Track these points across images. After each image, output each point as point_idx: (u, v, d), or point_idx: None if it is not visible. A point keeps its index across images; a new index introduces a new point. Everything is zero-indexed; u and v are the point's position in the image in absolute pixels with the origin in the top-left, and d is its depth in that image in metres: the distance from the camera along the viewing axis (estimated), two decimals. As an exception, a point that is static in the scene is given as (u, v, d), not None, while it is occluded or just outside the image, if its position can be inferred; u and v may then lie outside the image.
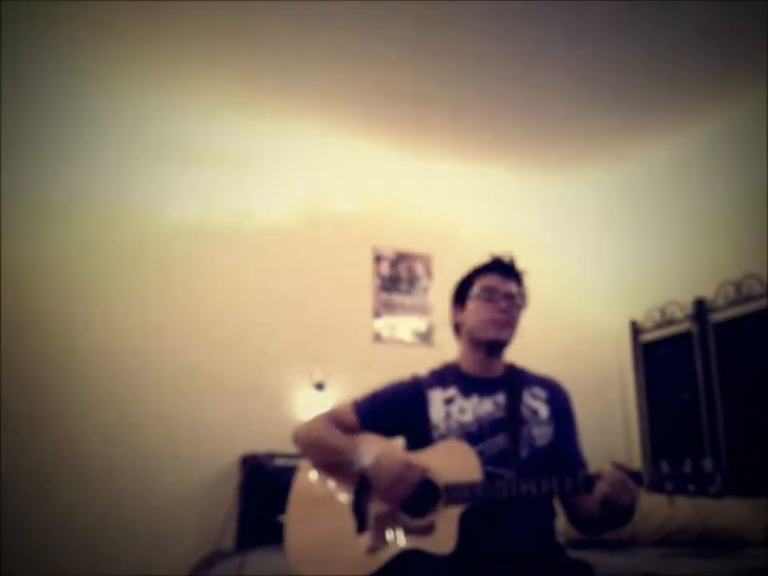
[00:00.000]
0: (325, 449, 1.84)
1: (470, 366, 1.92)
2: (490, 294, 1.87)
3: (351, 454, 1.77)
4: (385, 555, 1.69)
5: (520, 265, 1.97)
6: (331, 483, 1.84)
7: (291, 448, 1.99)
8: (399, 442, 1.91)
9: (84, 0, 3.05)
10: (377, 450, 1.75)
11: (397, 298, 4.58)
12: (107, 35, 3.31)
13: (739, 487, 3.48)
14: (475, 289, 1.91)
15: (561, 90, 3.80)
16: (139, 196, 4.11)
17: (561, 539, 1.83)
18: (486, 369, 1.91)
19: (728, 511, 3.29)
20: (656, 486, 1.60)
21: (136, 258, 4.03)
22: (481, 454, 1.75)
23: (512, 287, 1.89)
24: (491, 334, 1.86)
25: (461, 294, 1.96)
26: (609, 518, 1.68)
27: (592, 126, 4.17)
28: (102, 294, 3.91)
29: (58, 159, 3.99)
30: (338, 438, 1.83)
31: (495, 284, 1.89)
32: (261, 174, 4.42)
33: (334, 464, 1.82)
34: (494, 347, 1.89)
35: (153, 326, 3.95)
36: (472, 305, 1.90)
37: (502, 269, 1.93)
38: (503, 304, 1.86)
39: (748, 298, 3.87)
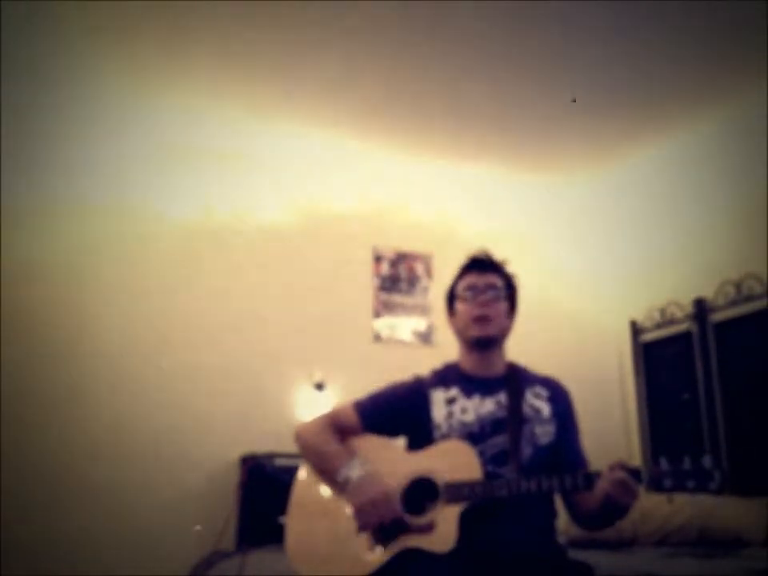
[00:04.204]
0: (320, 460, 1.86)
1: (469, 366, 1.93)
2: (470, 293, 1.91)
3: (338, 474, 1.78)
4: (385, 554, 1.69)
5: (498, 257, 2.00)
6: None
7: (291, 448, 1.99)
8: (400, 443, 1.91)
9: (85, 0, 3.05)
10: (361, 474, 1.75)
11: (397, 298, 4.58)
12: (107, 35, 3.31)
13: (739, 486, 3.48)
14: (459, 291, 1.95)
15: (561, 91, 3.80)
16: (139, 196, 4.11)
17: (561, 539, 1.83)
18: (486, 368, 1.91)
19: (728, 511, 3.29)
20: (655, 483, 1.60)
21: (136, 258, 4.03)
22: (482, 453, 1.75)
23: (490, 280, 1.93)
24: (476, 332, 1.88)
25: (450, 300, 2.00)
26: (609, 516, 1.70)
27: (592, 126, 4.17)
28: (102, 295, 3.90)
29: (58, 159, 3.98)
30: (332, 454, 1.84)
31: (474, 281, 1.93)
32: (261, 174, 4.42)
33: (324, 477, 1.85)
34: (482, 344, 1.90)
35: (153, 326, 3.95)
36: (458, 307, 1.94)
37: (479, 265, 1.97)
38: (482, 298, 1.89)
39: (748, 298, 3.87)
